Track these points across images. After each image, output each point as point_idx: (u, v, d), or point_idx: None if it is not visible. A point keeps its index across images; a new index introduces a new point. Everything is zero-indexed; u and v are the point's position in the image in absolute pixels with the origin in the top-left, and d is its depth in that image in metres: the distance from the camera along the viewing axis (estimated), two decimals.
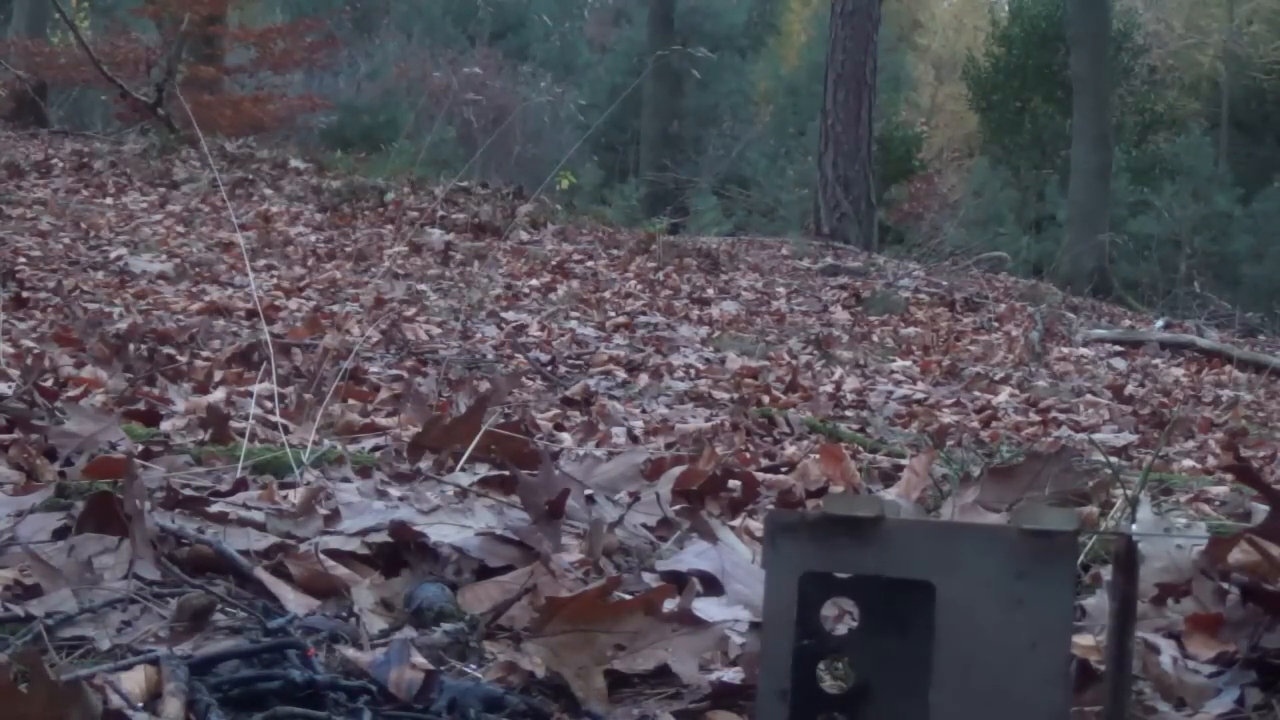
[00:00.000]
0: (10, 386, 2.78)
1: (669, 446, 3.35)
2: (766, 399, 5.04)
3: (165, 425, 2.77)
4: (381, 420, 3.18)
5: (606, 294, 8.38)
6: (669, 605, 1.41)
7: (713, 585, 1.62)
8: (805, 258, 11.89)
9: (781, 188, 22.57)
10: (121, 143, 12.33)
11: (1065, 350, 8.65)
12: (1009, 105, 25.32)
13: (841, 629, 1.16)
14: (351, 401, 3.50)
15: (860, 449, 3.62)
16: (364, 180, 11.12)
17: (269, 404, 2.81)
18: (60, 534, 1.56)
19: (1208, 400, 6.79)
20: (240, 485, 1.99)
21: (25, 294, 5.63)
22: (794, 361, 6.65)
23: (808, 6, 31.45)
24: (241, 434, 2.47)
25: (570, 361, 5.70)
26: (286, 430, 2.58)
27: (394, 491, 2.00)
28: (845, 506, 0.96)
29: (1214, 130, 26.93)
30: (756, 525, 2.01)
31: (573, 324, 6.98)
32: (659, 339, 6.89)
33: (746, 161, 25.02)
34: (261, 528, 1.69)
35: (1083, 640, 1.36)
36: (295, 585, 1.51)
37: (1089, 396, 6.40)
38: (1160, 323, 11.05)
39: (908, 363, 7.28)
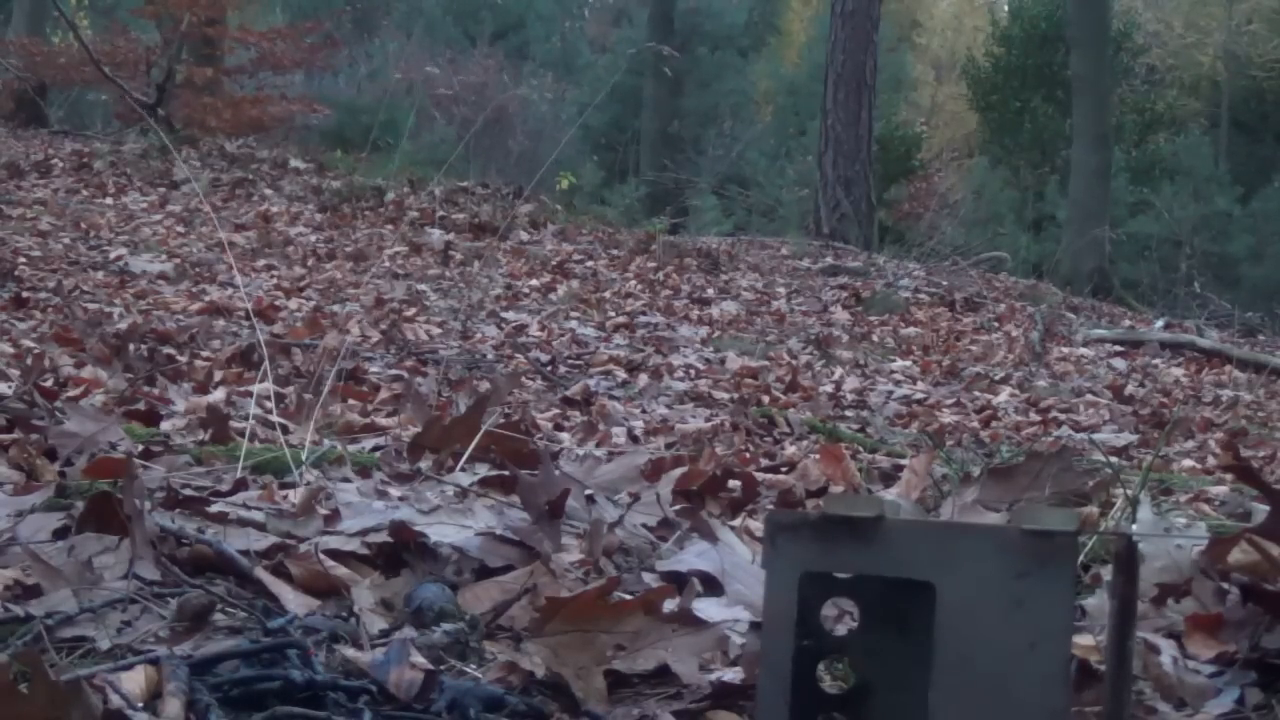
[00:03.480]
0: (10, 386, 2.78)
1: (669, 446, 3.35)
2: (766, 399, 5.04)
3: (165, 425, 2.76)
4: (381, 420, 3.18)
5: (606, 294, 8.38)
6: (669, 605, 1.41)
7: (713, 585, 1.62)
8: (805, 258, 11.89)
9: (781, 188, 22.56)
10: (121, 143, 12.33)
11: (1065, 350, 8.65)
12: (1009, 105, 25.31)
13: (841, 629, 1.16)
14: (351, 401, 3.50)
15: (860, 449, 3.62)
16: (364, 180, 11.12)
17: (269, 404, 2.81)
18: (60, 534, 1.55)
19: (1208, 400, 6.79)
20: (240, 485, 1.99)
21: (25, 294, 5.63)
22: (794, 361, 6.65)
23: (808, 6, 31.45)
24: (241, 434, 2.47)
25: (570, 361, 5.70)
26: (286, 430, 2.58)
27: (394, 491, 2.00)
28: (845, 506, 0.96)
29: (1214, 130, 26.94)
30: (756, 525, 2.01)
31: (573, 324, 6.98)
32: (659, 339, 6.89)
33: (746, 161, 25.01)
34: (261, 528, 1.69)
35: (1083, 640, 1.36)
36: (295, 585, 1.51)
37: (1089, 396, 6.40)
38: (1160, 323, 11.05)
39: (908, 363, 7.29)
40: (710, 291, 9.22)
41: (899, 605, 0.95)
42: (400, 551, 1.64)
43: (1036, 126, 24.79)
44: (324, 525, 1.72)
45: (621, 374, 5.42)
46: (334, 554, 1.60)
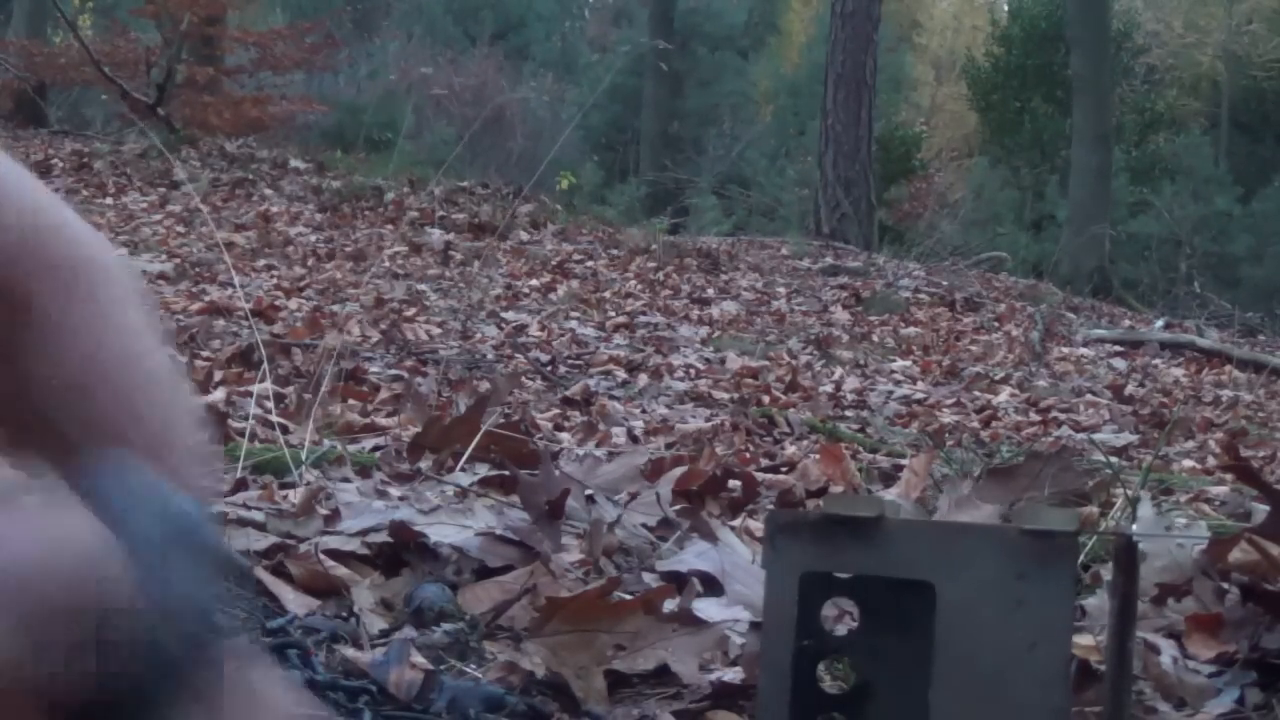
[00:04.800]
0: None
1: (669, 446, 3.35)
2: (766, 399, 5.04)
3: None
4: (381, 420, 3.18)
5: (606, 294, 8.38)
6: (669, 605, 1.41)
7: (713, 585, 1.62)
8: (805, 258, 11.89)
9: (781, 188, 22.56)
10: (121, 143, 12.33)
11: (1065, 350, 8.65)
12: (1009, 105, 25.32)
13: (841, 629, 1.16)
14: (351, 401, 3.50)
15: (860, 449, 3.63)
16: (364, 180, 11.12)
17: (269, 404, 2.80)
18: None
19: (1208, 400, 6.79)
20: (240, 485, 1.99)
21: None
22: (794, 361, 6.65)
23: (808, 6, 31.45)
24: (241, 434, 2.47)
25: (570, 361, 5.70)
26: (286, 430, 2.58)
27: (394, 491, 2.00)
28: (845, 506, 0.96)
29: (1214, 130, 26.94)
30: (756, 525, 2.01)
31: (573, 324, 6.97)
32: (659, 339, 6.89)
33: (746, 161, 25.01)
34: (261, 528, 1.68)
35: (1083, 640, 1.36)
36: (295, 585, 1.51)
37: (1089, 396, 6.40)
38: (1160, 323, 11.06)
39: (908, 363, 7.29)
40: (710, 291, 9.22)
41: (899, 605, 0.95)
42: (400, 551, 1.64)
43: (1036, 126, 24.79)
44: (324, 525, 1.72)
45: (621, 374, 5.42)
46: (334, 554, 1.60)
